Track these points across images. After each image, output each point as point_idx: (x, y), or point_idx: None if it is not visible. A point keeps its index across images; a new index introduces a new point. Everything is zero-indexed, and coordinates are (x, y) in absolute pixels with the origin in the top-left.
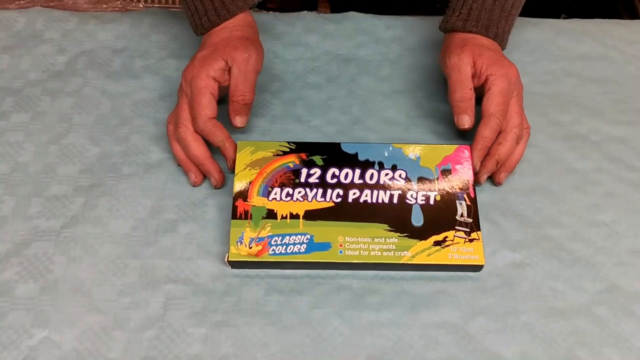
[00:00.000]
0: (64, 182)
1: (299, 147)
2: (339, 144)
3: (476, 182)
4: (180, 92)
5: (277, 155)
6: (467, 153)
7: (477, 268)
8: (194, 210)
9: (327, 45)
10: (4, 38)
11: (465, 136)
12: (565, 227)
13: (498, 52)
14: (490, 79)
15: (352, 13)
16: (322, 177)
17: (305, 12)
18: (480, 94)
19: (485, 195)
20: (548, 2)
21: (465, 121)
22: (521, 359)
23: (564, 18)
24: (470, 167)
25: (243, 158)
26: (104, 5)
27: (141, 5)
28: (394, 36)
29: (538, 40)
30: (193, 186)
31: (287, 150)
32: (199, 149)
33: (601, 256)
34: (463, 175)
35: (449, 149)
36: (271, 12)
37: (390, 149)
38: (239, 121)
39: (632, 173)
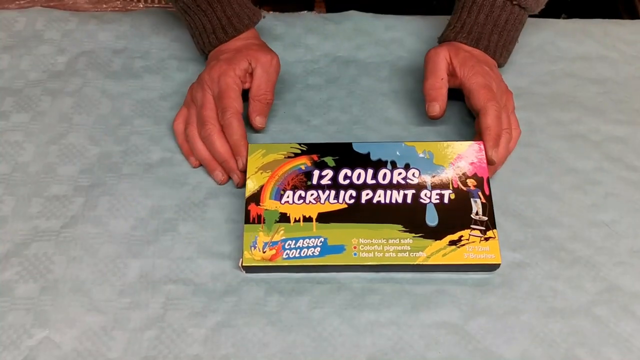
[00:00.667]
0: (64, 182)
1: (310, 149)
2: (350, 144)
3: None
4: (202, 91)
5: (289, 157)
6: (480, 149)
7: (493, 267)
8: (194, 210)
9: (327, 46)
10: (4, 38)
11: (466, 136)
12: (565, 227)
13: (479, 58)
14: (464, 80)
15: (352, 12)
16: (334, 178)
17: (305, 12)
18: (463, 97)
19: None
20: (548, 2)
21: (435, 108)
22: (521, 359)
23: (564, 18)
24: (484, 163)
25: (254, 161)
26: (104, 5)
27: (141, 5)
28: (393, 37)
29: (538, 41)
30: (219, 184)
31: (299, 152)
32: (224, 147)
33: (601, 256)
34: (477, 172)
35: (462, 146)
36: (271, 12)
37: (403, 147)
38: (259, 121)
39: (632, 173)
